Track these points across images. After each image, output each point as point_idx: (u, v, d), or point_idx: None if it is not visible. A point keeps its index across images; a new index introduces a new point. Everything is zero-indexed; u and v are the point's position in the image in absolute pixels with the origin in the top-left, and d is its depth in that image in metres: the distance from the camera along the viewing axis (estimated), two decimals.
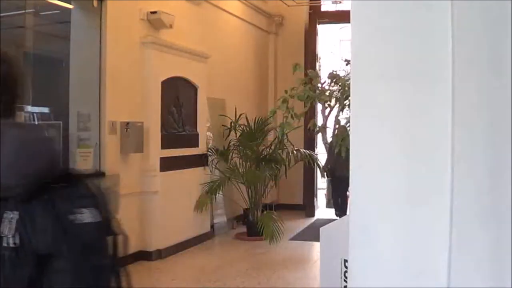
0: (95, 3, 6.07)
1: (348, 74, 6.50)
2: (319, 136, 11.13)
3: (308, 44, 10.92)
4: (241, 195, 8.37)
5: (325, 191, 11.49)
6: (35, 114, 6.27)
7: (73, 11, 6.18)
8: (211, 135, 8.51)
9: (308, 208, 10.53)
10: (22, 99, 1.48)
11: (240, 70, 9.74)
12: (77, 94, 6.12)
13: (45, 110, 6.59)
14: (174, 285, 5.86)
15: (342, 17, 10.19)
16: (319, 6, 11.09)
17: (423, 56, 1.35)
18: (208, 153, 8.15)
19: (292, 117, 6.35)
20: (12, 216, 1.46)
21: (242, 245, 7.88)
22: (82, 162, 5.95)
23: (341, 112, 8.82)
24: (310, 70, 7.03)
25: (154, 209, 6.79)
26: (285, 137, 8.24)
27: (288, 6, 10.60)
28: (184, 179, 7.38)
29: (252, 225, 8.07)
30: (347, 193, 8.93)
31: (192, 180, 7.61)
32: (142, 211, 6.73)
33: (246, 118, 8.59)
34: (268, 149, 8.73)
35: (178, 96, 7.44)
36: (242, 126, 8.57)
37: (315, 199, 10.94)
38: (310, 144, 10.40)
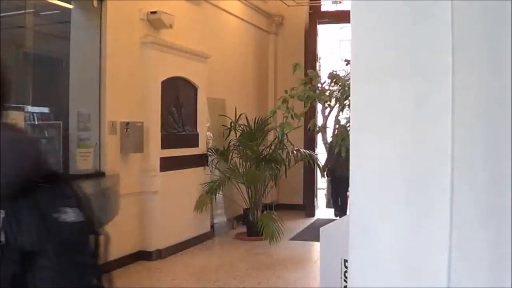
0: (95, 3, 6.07)
1: (348, 74, 6.50)
2: (319, 136, 11.13)
3: (308, 44, 10.92)
4: (241, 195, 8.37)
5: (325, 191, 11.49)
6: (35, 114, 6.26)
7: (73, 11, 6.18)
8: (211, 135, 8.51)
9: (308, 208, 10.53)
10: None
11: (240, 70, 9.74)
12: (77, 94, 6.12)
13: (45, 110, 6.59)
14: (174, 285, 5.86)
15: (342, 17, 10.19)
16: (319, 6, 11.09)
17: (423, 56, 1.35)
18: (208, 153, 8.15)
19: (292, 117, 6.35)
20: None
21: (242, 245, 7.88)
22: (82, 162, 5.95)
23: (341, 112, 8.82)
24: (310, 70, 7.03)
25: (154, 209, 6.79)
26: (285, 137, 8.24)
27: (288, 6, 10.60)
28: (184, 179, 7.38)
29: (252, 225, 8.07)
30: (347, 193, 8.93)
31: (192, 180, 7.61)
32: (142, 211, 6.73)
33: (246, 118, 8.59)
34: (268, 149, 8.73)
35: (178, 96, 7.44)
36: (242, 126, 8.57)
37: (315, 199, 10.94)
38: (310, 144, 10.40)
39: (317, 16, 10.99)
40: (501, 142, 1.29)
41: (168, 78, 7.11)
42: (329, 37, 14.65)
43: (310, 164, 9.29)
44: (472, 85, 1.32)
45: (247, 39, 10.12)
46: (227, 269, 6.58)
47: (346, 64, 8.09)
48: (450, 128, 1.31)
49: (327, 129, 10.71)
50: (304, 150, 9.13)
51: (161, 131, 7.00)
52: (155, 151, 6.84)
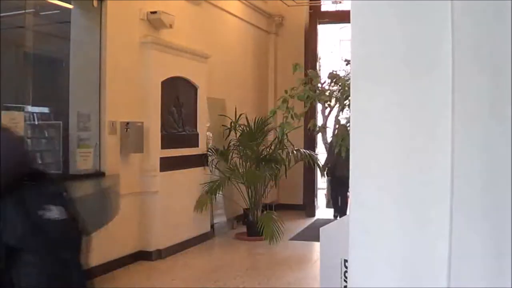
0: (95, 3, 6.07)
1: (348, 74, 6.49)
2: (319, 136, 11.13)
3: (308, 44, 10.92)
4: (241, 195, 8.37)
5: (325, 191, 11.49)
6: (35, 114, 6.26)
7: (73, 11, 6.18)
8: (211, 135, 8.51)
9: (308, 208, 10.53)
10: None
11: (240, 70, 9.74)
12: (77, 94, 6.12)
13: (45, 110, 6.59)
14: (174, 285, 5.86)
15: (342, 17, 10.19)
16: (319, 6, 11.09)
17: (423, 56, 1.35)
18: (208, 153, 8.15)
19: (292, 117, 6.34)
20: None
21: (242, 245, 7.88)
22: (82, 162, 5.94)
23: (341, 112, 8.82)
24: (310, 70, 7.02)
25: (154, 209, 6.79)
26: (285, 137, 8.23)
27: (288, 6, 10.60)
28: (184, 179, 7.38)
29: (252, 225, 8.07)
30: (347, 193, 8.92)
31: (192, 180, 7.61)
32: (142, 211, 6.73)
33: (246, 118, 8.59)
34: (268, 149, 8.73)
35: (178, 96, 7.44)
36: (242, 126, 8.57)
37: (315, 199, 10.94)
38: (310, 144, 10.40)
39: (317, 16, 10.99)
40: (501, 142, 1.29)
41: (168, 78, 7.11)
42: (329, 37, 14.66)
43: (310, 164, 9.28)
44: (472, 85, 1.32)
45: (247, 39, 10.12)
46: (227, 269, 6.58)
47: (346, 64, 8.08)
48: (450, 128, 1.31)
49: (327, 129, 10.71)
50: (304, 150, 9.13)
51: (161, 131, 7.00)
52: (155, 151, 6.84)
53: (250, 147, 8.36)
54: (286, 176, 8.77)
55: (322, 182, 11.75)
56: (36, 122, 6.30)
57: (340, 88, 5.92)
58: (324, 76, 7.59)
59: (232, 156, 8.48)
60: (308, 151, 9.16)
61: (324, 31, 11.97)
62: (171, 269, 6.51)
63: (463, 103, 1.31)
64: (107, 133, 6.16)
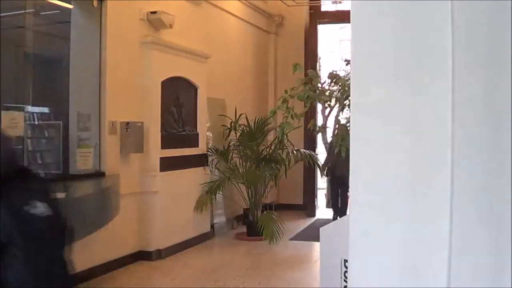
0: (95, 3, 6.07)
1: (348, 74, 6.49)
2: (319, 136, 11.13)
3: (308, 44, 10.92)
4: (241, 195, 8.37)
5: (325, 191, 11.49)
6: (35, 114, 6.26)
7: (73, 11, 6.18)
8: (211, 135, 8.51)
9: (308, 208, 10.54)
10: None
11: (240, 70, 9.74)
12: (77, 94, 6.12)
13: (45, 110, 6.59)
14: (174, 285, 5.86)
15: (342, 17, 10.19)
16: (319, 6, 11.09)
17: (423, 56, 1.35)
18: (208, 153, 8.15)
19: (292, 117, 6.34)
20: None
21: (242, 245, 7.88)
22: (82, 162, 5.94)
23: (341, 112, 8.81)
24: (310, 70, 7.02)
25: (154, 209, 6.79)
26: (285, 137, 8.23)
27: (288, 6, 10.60)
28: (184, 179, 7.38)
29: (252, 225, 8.08)
30: (347, 193, 8.92)
31: (192, 180, 7.61)
32: (142, 211, 6.73)
33: (246, 118, 8.59)
34: (268, 149, 8.73)
35: (178, 96, 7.44)
36: (242, 126, 8.58)
37: (315, 199, 10.94)
38: (310, 144, 10.40)
39: (317, 16, 10.99)
40: (501, 142, 1.29)
41: (168, 78, 7.11)
42: (329, 37, 14.65)
43: (310, 164, 9.29)
44: (472, 85, 1.32)
45: (247, 39, 10.12)
46: (227, 269, 6.58)
47: (346, 64, 8.08)
48: (450, 128, 1.31)
49: (327, 129, 10.70)
50: (304, 150, 9.13)
51: (161, 131, 7.00)
52: (155, 151, 6.84)
53: (250, 147, 8.36)
54: (286, 176, 8.77)
55: (322, 182, 11.75)
56: (36, 122, 6.30)
57: (340, 88, 5.92)
58: (324, 76, 7.59)
59: (232, 156, 8.48)
60: (308, 151, 9.17)
61: (324, 31, 11.97)
62: (171, 269, 6.51)
63: (463, 103, 1.31)
64: (107, 133, 6.16)
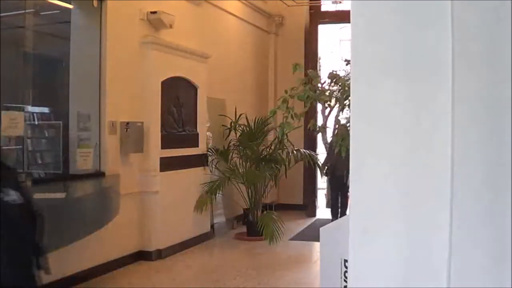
0: (95, 3, 6.07)
1: (348, 74, 6.49)
2: (319, 136, 11.13)
3: (308, 44, 10.92)
4: (241, 195, 8.37)
5: (325, 191, 11.49)
6: (35, 114, 6.26)
7: (73, 11, 6.18)
8: (211, 135, 8.51)
9: (308, 208, 10.53)
10: None
11: (240, 70, 9.74)
12: (77, 94, 6.12)
13: (45, 110, 6.59)
14: (174, 285, 5.86)
15: (342, 17, 10.19)
16: (319, 6, 11.09)
17: (423, 56, 1.35)
18: (208, 153, 8.15)
19: (292, 117, 6.33)
20: None
21: (242, 245, 7.88)
22: (82, 162, 5.94)
23: (341, 112, 8.81)
24: (310, 70, 7.01)
25: (154, 209, 6.79)
26: (285, 137, 8.23)
27: (288, 6, 10.59)
28: (184, 179, 7.38)
29: (252, 225, 8.07)
30: (348, 193, 8.92)
31: (192, 180, 7.60)
32: (142, 211, 6.73)
33: (246, 118, 8.59)
34: (268, 149, 8.73)
35: (178, 96, 7.44)
36: (242, 126, 8.57)
37: (315, 199, 10.94)
38: (310, 144, 10.40)
39: (317, 16, 10.99)
40: (501, 142, 1.29)
41: (168, 78, 7.11)
42: (329, 37, 14.65)
43: (310, 164, 9.28)
44: (472, 85, 1.32)
45: (247, 39, 10.12)
46: (227, 269, 6.58)
47: (346, 64, 8.08)
48: (450, 128, 1.31)
49: (327, 129, 10.70)
50: (304, 150, 9.13)
51: (161, 131, 7.00)
52: (155, 151, 6.84)
53: (250, 147, 8.36)
54: (286, 176, 8.77)
55: (322, 182, 11.75)
56: (36, 122, 6.30)
57: (340, 88, 5.92)
58: (324, 76, 7.59)
59: (232, 156, 8.48)
60: (308, 151, 9.16)
61: (324, 31, 11.96)
62: (171, 269, 6.51)
63: (463, 103, 1.31)
64: (107, 133, 6.16)
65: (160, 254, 6.81)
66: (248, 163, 8.45)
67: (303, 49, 10.85)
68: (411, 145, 1.37)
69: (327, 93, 6.26)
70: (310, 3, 10.88)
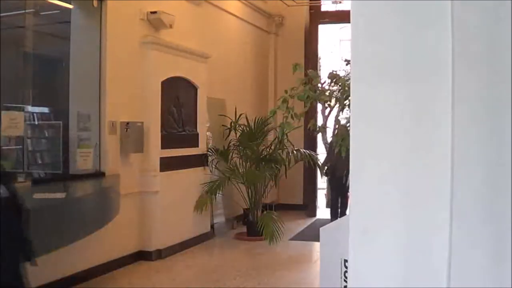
0: (95, 3, 6.07)
1: (348, 74, 6.49)
2: (319, 136, 11.12)
3: (308, 44, 10.92)
4: (241, 195, 8.37)
5: (325, 191, 11.49)
6: (35, 114, 6.26)
7: (73, 11, 6.18)
8: (211, 135, 8.51)
9: (308, 208, 10.53)
10: None
11: (240, 70, 9.74)
12: (77, 94, 6.12)
13: (45, 110, 6.59)
14: (174, 285, 5.86)
15: (342, 17, 10.20)
16: (319, 6, 11.09)
17: (423, 56, 1.35)
18: (208, 153, 8.15)
19: (292, 117, 6.34)
20: None
21: (242, 245, 7.88)
22: (82, 162, 5.94)
23: (341, 112, 8.80)
24: (310, 70, 7.02)
25: (154, 209, 6.79)
26: (285, 137, 8.23)
27: (288, 6, 10.59)
28: (184, 179, 7.38)
29: (252, 225, 8.08)
30: (348, 193, 8.91)
31: (192, 180, 7.60)
32: (142, 211, 6.73)
33: (246, 118, 8.59)
34: (268, 149, 8.73)
35: (178, 96, 7.44)
36: (242, 126, 8.57)
37: (315, 199, 10.94)
38: (310, 144, 10.40)
39: (317, 16, 10.99)
40: (501, 142, 1.29)
41: (168, 78, 7.11)
42: (329, 37, 14.65)
43: (310, 164, 9.28)
44: (472, 85, 1.32)
45: (247, 39, 10.12)
46: (227, 269, 6.58)
47: (346, 64, 8.08)
48: (450, 128, 1.31)
49: (327, 129, 10.69)
50: (304, 150, 9.13)
51: (161, 131, 7.00)
52: (155, 151, 6.84)
53: (250, 147, 8.36)
54: (286, 176, 8.77)
55: (322, 182, 11.75)
56: (36, 122, 6.30)
57: (340, 88, 5.92)
58: (324, 76, 7.59)
59: (232, 156, 8.48)
60: (308, 151, 9.16)
61: (324, 31, 11.96)
62: (171, 269, 6.51)
63: (463, 103, 1.31)
64: (107, 133, 6.16)
65: (160, 254, 6.81)
66: (248, 163, 8.45)
67: (303, 49, 10.85)
68: (411, 145, 1.37)
69: (327, 93, 6.27)
70: (310, 3, 10.87)
